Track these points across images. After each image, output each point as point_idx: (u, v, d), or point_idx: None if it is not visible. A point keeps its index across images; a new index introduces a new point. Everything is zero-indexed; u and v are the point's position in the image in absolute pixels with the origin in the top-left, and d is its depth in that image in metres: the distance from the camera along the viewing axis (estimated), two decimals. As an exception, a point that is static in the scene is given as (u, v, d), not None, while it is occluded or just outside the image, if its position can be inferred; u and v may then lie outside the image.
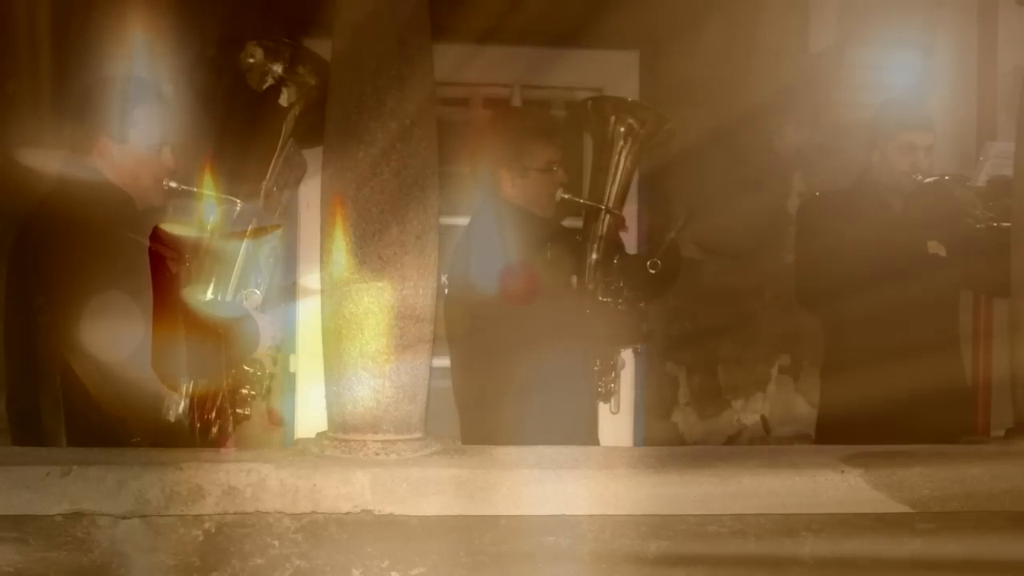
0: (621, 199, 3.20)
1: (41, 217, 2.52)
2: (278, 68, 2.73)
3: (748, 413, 4.24)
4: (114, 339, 2.34)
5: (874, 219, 3.31)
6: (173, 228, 2.66)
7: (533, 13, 3.79)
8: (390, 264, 2.05)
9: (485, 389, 2.94)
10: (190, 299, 2.56)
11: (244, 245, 2.66)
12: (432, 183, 2.10)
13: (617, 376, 3.25)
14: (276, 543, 1.97)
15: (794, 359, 4.22)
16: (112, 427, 2.39)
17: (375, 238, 2.04)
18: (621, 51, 4.23)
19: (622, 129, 3.14)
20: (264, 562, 1.97)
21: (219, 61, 2.83)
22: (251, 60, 2.73)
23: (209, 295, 2.63)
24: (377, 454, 2.06)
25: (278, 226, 2.81)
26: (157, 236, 2.56)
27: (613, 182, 3.17)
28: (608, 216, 3.13)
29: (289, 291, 3.47)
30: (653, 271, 3.13)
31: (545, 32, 3.97)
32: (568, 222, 3.32)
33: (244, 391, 2.84)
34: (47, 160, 2.59)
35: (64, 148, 2.63)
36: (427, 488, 2.00)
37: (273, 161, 2.74)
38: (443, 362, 2.96)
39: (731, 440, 4.21)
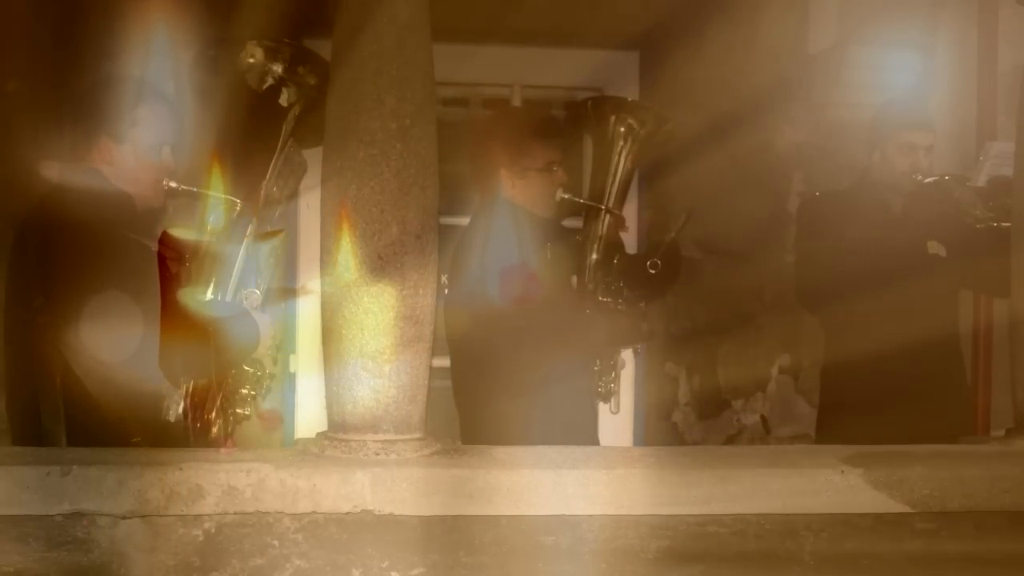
0: (621, 199, 3.19)
1: (41, 217, 2.52)
2: (278, 68, 2.73)
3: (748, 413, 4.24)
4: (114, 339, 2.33)
5: (874, 219, 3.31)
6: (173, 228, 2.66)
7: (533, 13, 3.79)
8: (390, 264, 2.05)
9: (485, 389, 2.94)
10: (190, 299, 2.56)
11: (244, 245, 2.66)
12: (432, 183, 2.10)
13: (617, 376, 3.25)
14: (276, 543, 1.97)
15: (794, 359, 4.21)
16: (112, 427, 2.38)
17: (375, 238, 2.04)
18: (621, 51, 4.23)
19: (622, 129, 3.14)
20: (264, 562, 1.97)
21: (219, 61, 2.82)
22: (251, 60, 2.72)
23: (209, 295, 2.63)
24: (377, 454, 2.06)
25: (280, 231, 2.81)
26: (159, 237, 2.57)
27: (613, 182, 3.16)
28: (608, 216, 3.13)
29: (289, 292, 3.47)
30: (653, 271, 3.12)
31: (545, 32, 3.97)
32: (568, 222, 3.32)
33: (244, 391, 2.84)
34: (51, 167, 2.59)
35: (64, 149, 2.63)
36: (427, 488, 2.00)
37: (273, 161, 2.74)
38: (443, 362, 2.96)
39: (731, 440, 4.20)
